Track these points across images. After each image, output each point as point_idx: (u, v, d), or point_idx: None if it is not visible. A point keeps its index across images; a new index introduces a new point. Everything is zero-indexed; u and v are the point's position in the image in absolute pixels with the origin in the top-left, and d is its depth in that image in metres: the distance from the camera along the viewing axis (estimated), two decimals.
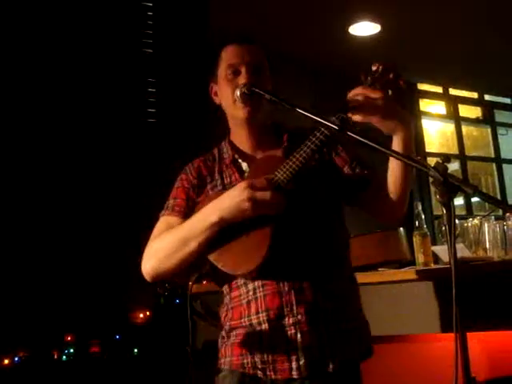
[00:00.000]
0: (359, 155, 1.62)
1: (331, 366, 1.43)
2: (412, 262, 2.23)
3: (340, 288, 1.51)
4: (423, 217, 2.26)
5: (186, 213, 1.55)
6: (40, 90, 2.90)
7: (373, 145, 1.29)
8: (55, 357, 2.74)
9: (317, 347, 1.43)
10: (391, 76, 1.44)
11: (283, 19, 4.10)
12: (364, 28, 4.40)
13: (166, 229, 1.54)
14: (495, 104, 6.51)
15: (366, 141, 1.29)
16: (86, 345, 2.80)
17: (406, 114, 1.47)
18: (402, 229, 2.29)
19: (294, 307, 1.44)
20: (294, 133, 1.59)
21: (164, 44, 3.32)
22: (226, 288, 1.56)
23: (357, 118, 1.41)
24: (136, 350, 2.88)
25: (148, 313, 2.91)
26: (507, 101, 6.54)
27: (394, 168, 1.51)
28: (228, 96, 1.56)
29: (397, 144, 1.45)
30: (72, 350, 2.77)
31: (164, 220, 1.59)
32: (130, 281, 1.96)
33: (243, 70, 1.54)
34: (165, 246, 1.50)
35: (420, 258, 2.18)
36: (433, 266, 2.18)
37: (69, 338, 2.78)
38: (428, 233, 2.22)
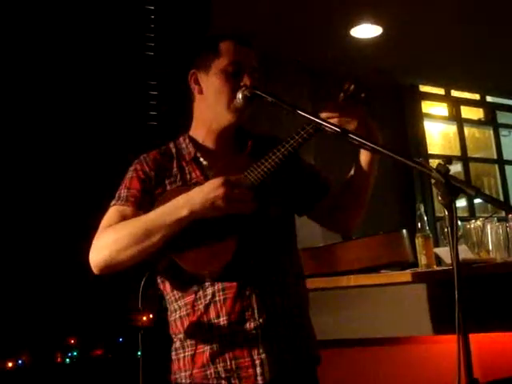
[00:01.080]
0: (316, 167, 1.67)
1: (292, 371, 1.43)
2: (415, 264, 2.23)
3: (298, 294, 1.52)
4: (425, 218, 2.27)
5: (140, 204, 1.46)
6: (42, 93, 2.91)
7: (373, 146, 1.31)
8: (58, 360, 2.74)
9: (278, 351, 1.42)
10: (362, 95, 1.46)
11: (284, 21, 4.10)
12: (365, 30, 4.39)
13: (119, 220, 1.45)
14: (497, 105, 6.50)
15: (366, 142, 1.31)
16: (89, 348, 2.80)
17: (375, 124, 1.50)
18: (404, 231, 2.29)
19: (256, 311, 1.41)
20: (258, 140, 1.59)
21: (166, 47, 3.33)
22: (176, 293, 1.48)
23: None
24: (139, 353, 2.87)
25: (151, 315, 2.91)
26: (509, 102, 6.52)
27: (355, 179, 1.55)
28: (224, 92, 1.50)
29: (367, 153, 1.51)
30: (75, 353, 2.77)
31: (115, 210, 1.49)
32: (134, 283, 1.96)
33: (247, 71, 1.50)
34: (122, 236, 1.39)
35: (422, 259, 2.18)
36: (435, 267, 2.18)
37: (72, 341, 2.78)
38: (430, 234, 2.22)
